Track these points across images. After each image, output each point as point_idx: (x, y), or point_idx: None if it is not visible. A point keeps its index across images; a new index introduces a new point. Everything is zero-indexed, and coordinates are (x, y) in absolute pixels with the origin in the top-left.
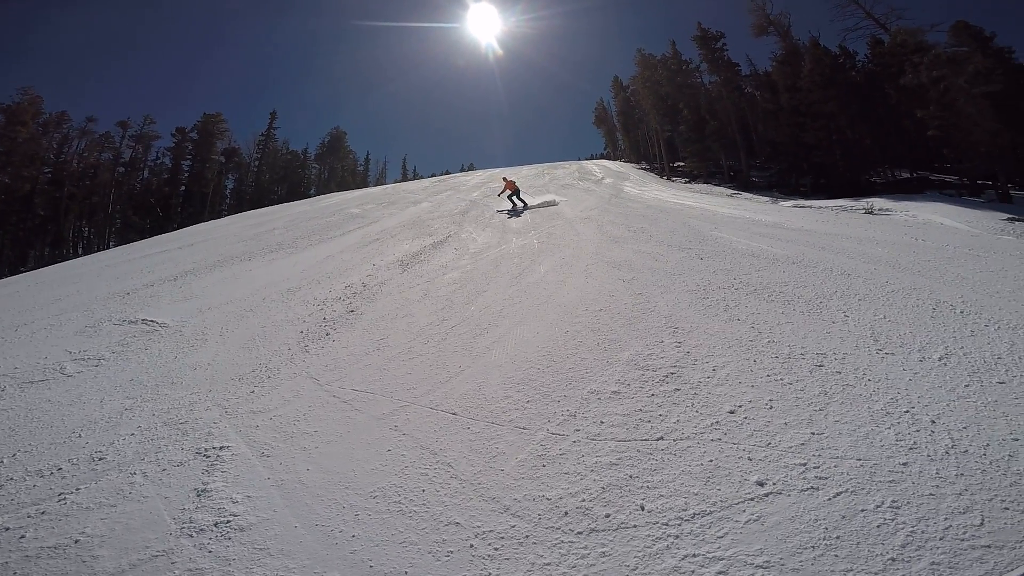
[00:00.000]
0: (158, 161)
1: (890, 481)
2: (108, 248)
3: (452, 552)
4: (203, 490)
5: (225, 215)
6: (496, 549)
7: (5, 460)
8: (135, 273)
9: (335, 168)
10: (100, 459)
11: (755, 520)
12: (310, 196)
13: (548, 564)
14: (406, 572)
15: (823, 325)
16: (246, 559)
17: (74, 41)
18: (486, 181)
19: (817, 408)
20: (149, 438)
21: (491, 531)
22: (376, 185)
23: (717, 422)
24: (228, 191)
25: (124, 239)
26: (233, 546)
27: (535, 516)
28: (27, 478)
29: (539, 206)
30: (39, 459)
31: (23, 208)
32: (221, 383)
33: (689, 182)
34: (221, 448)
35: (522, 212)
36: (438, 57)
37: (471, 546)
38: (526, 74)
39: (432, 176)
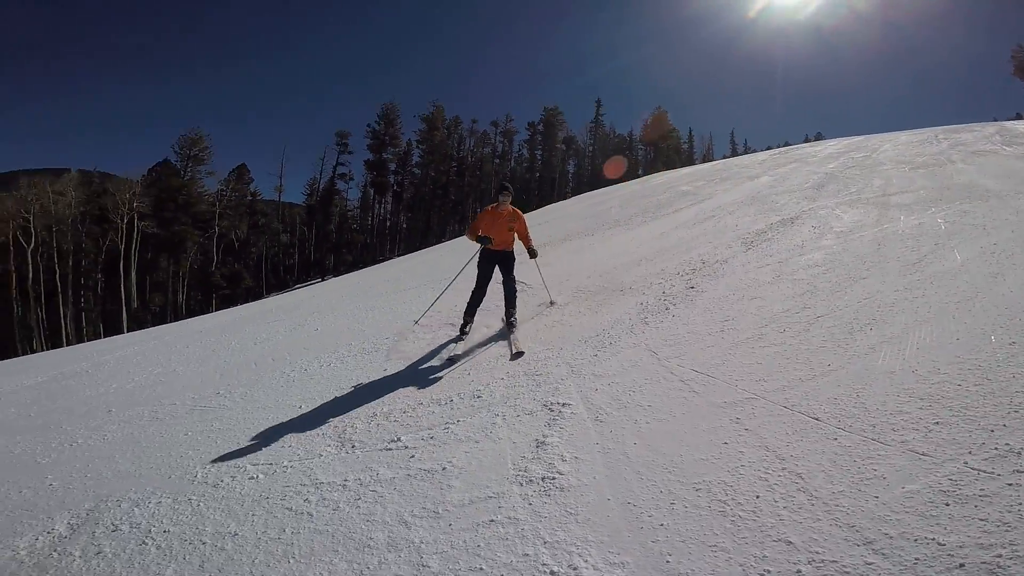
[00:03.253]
0: (519, 153)
1: None
2: None
3: (770, 572)
4: (542, 442)
5: (569, 196)
6: None
7: (418, 386)
8: None
9: (660, 147)
10: (478, 396)
11: None
12: (639, 176)
13: None
14: None
15: None
16: (555, 520)
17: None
18: (844, 151)
19: None
20: (513, 384)
21: (834, 562)
22: (703, 162)
23: None
24: (570, 175)
25: None
26: (549, 504)
27: (908, 559)
28: (431, 405)
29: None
30: (443, 390)
31: (443, 194)
32: (570, 342)
33: None
34: (563, 405)
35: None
36: (773, 13)
37: (798, 572)
38: (891, 27)
39: (768, 149)
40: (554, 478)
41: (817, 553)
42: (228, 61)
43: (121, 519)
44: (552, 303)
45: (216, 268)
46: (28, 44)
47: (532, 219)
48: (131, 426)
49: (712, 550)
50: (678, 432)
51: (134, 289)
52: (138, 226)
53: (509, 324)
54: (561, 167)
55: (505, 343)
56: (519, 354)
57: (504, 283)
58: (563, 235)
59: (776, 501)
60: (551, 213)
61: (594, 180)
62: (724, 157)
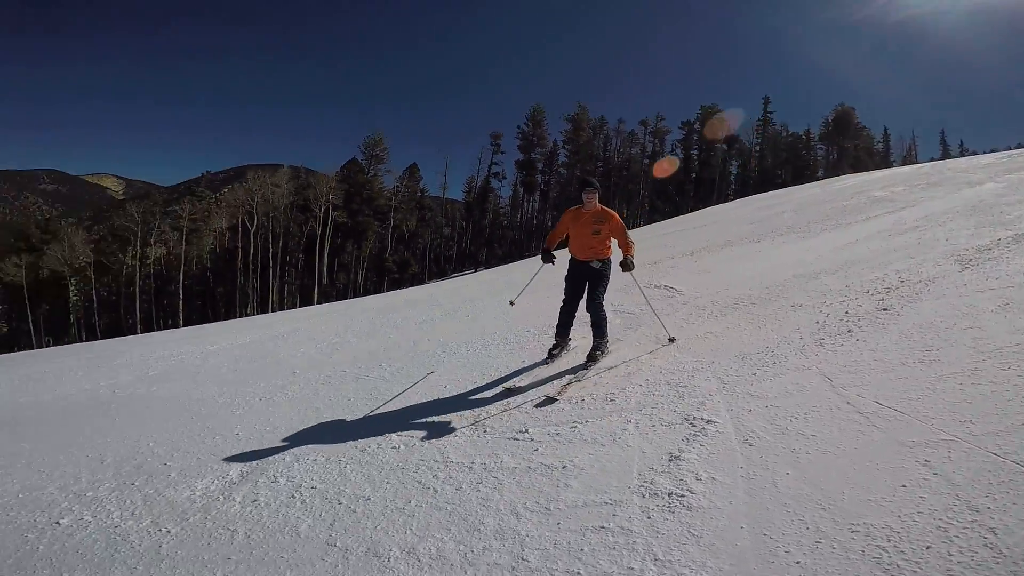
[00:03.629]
0: (673, 152)
1: None
2: (640, 226)
3: None
4: (676, 456)
5: (731, 199)
6: None
7: (553, 381)
8: (660, 247)
9: (845, 148)
10: (611, 400)
11: None
12: (818, 179)
13: None
14: None
15: None
16: (673, 538)
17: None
18: None
19: None
20: (651, 392)
21: None
22: (904, 164)
23: None
24: (732, 177)
25: (651, 219)
26: (671, 521)
27: None
28: (562, 402)
29: None
30: (576, 389)
31: None
32: (724, 357)
33: None
34: (708, 421)
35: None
36: None
37: None
38: None
39: (992, 152)
40: (683, 495)
41: None
42: (403, 69)
43: (281, 472)
44: (672, 340)
45: (389, 255)
46: (252, 62)
47: (687, 222)
48: (308, 388)
49: None
50: (845, 468)
51: (325, 268)
52: (331, 216)
53: (590, 357)
54: (722, 167)
55: (597, 375)
56: (549, 400)
57: (588, 304)
58: (723, 240)
59: (950, 555)
60: (710, 216)
61: (762, 182)
62: (931, 160)
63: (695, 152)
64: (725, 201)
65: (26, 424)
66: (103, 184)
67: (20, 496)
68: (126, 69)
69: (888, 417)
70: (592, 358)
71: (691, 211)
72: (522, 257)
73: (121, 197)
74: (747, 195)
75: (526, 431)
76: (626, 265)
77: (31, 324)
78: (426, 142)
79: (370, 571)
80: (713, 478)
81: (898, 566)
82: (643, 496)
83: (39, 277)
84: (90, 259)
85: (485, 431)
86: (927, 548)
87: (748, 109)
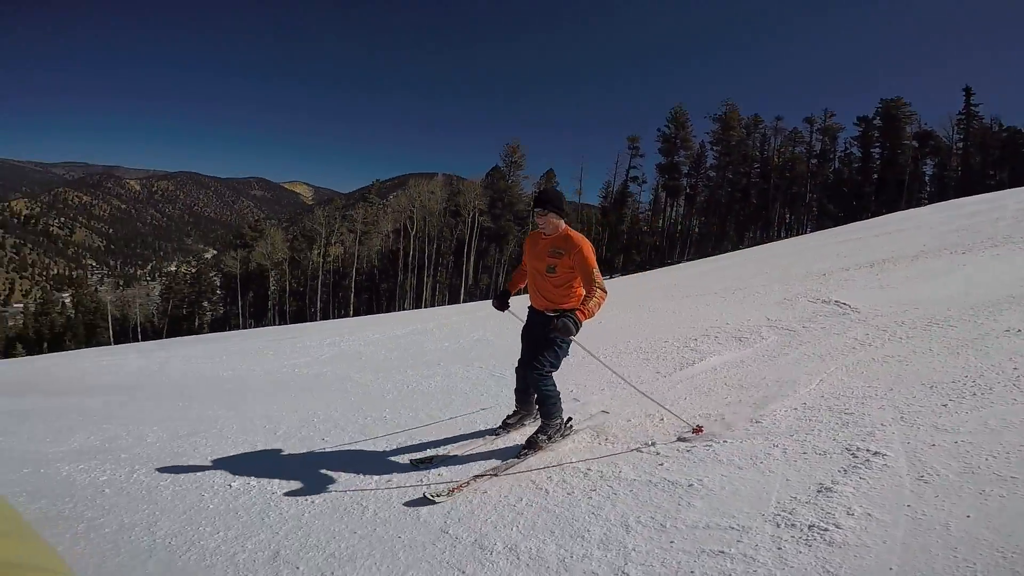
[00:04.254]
0: (846, 151)
1: None
2: (805, 233)
3: None
4: (827, 488)
5: (926, 203)
6: None
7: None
8: (831, 257)
9: None
10: (756, 422)
11: None
12: None
13: None
14: None
15: None
16: (802, 573)
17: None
18: None
19: None
20: (808, 417)
21: None
22: None
23: None
24: (927, 178)
25: (820, 225)
26: (804, 555)
27: None
28: (699, 418)
29: None
30: (716, 406)
31: (742, 198)
32: (907, 385)
33: None
34: (874, 453)
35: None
36: None
37: None
38: None
39: None
40: (826, 529)
41: None
42: (539, 83)
43: (415, 456)
44: (697, 430)
45: None
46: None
47: (867, 229)
48: (450, 379)
49: None
50: None
51: (471, 270)
52: (477, 220)
53: (529, 443)
54: (913, 168)
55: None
56: (425, 500)
57: (528, 372)
58: (914, 251)
59: None
60: (896, 222)
61: (968, 184)
62: None
63: (876, 150)
64: (917, 205)
65: (226, 395)
66: (296, 191)
67: (209, 459)
68: (319, 91)
69: None
70: (532, 444)
71: (872, 216)
72: (662, 264)
73: (310, 202)
74: (946, 199)
75: (652, 444)
76: (559, 323)
77: (239, 309)
78: (562, 148)
79: (472, 561)
80: (869, 514)
81: None
82: (777, 525)
83: (248, 269)
84: (286, 255)
85: (607, 439)
86: None
87: (945, 102)
